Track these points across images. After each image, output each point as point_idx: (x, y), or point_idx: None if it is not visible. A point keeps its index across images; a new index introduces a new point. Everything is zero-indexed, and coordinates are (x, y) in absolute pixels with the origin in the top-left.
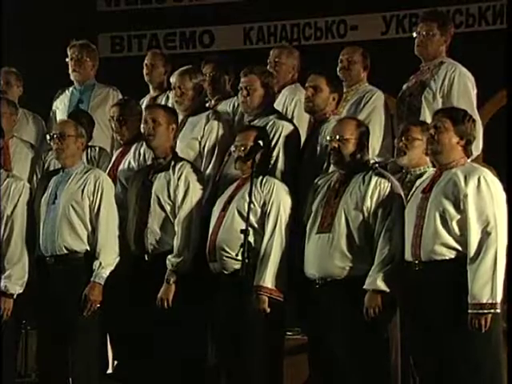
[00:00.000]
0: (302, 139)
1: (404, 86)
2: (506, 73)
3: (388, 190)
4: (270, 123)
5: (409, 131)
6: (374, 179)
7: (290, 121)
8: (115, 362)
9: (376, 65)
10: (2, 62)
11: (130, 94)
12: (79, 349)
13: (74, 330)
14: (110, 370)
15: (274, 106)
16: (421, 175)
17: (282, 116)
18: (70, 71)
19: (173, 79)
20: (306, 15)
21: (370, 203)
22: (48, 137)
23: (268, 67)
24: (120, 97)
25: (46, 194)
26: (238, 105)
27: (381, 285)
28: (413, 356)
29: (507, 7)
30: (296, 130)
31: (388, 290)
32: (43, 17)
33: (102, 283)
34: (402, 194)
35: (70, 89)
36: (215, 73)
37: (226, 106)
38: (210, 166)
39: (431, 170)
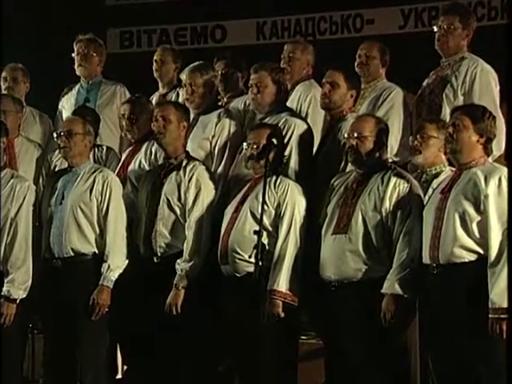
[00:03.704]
0: (318, 137)
1: (424, 83)
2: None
3: (407, 190)
4: (282, 121)
5: (424, 129)
6: (393, 180)
7: (303, 119)
8: (125, 367)
9: (394, 60)
10: (7, 58)
11: (139, 91)
12: (88, 354)
13: (82, 334)
14: (119, 375)
15: (288, 102)
16: (437, 175)
17: (294, 114)
18: (76, 66)
19: (183, 76)
20: (321, 9)
21: (388, 204)
22: (55, 135)
23: (282, 63)
24: (127, 94)
25: (53, 195)
26: (250, 103)
27: (399, 289)
28: (431, 360)
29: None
30: (309, 129)
31: (406, 295)
32: (51, 11)
33: (111, 286)
34: (422, 194)
35: (77, 87)
36: (227, 69)
37: (237, 104)
38: (221, 165)
39: (448, 170)
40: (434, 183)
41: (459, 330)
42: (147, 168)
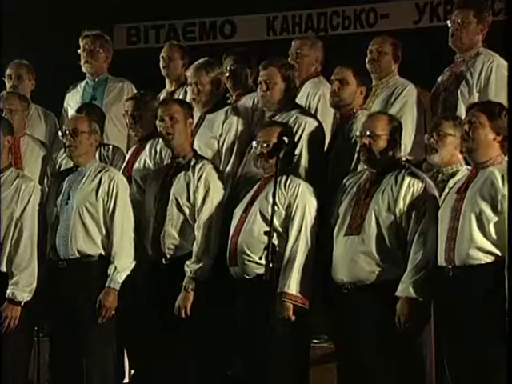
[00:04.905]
0: (327, 136)
1: (438, 80)
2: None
3: (422, 190)
4: (293, 119)
5: (440, 126)
6: (407, 179)
7: (314, 116)
8: (132, 371)
9: (408, 56)
10: (12, 54)
11: (146, 88)
12: (94, 357)
13: (88, 338)
14: (126, 380)
15: (296, 100)
16: (453, 174)
17: (304, 111)
18: (82, 63)
19: (188, 74)
20: (334, 3)
21: (402, 205)
22: (60, 133)
23: (289, 59)
24: (135, 91)
25: (58, 195)
26: (258, 100)
27: (414, 292)
28: (447, 363)
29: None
30: (320, 127)
31: (421, 299)
32: (57, 7)
33: (118, 289)
34: (437, 194)
35: (82, 84)
36: (236, 66)
37: (246, 102)
38: (230, 164)
39: (464, 169)
40: (451, 183)
41: (475, 333)
42: (152, 167)
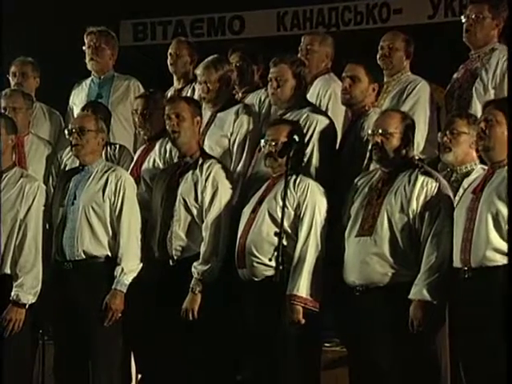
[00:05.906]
0: (339, 134)
1: (454, 77)
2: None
3: (436, 190)
4: (304, 117)
5: (454, 124)
6: (421, 179)
7: (326, 114)
8: (139, 376)
9: (422, 52)
10: (16, 51)
11: (153, 86)
12: (100, 361)
13: (94, 341)
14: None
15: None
16: (468, 173)
17: (316, 109)
18: (87, 60)
19: (197, 72)
20: None
21: (415, 205)
22: (66, 132)
23: (299, 55)
24: (141, 89)
25: (65, 195)
26: (265, 98)
27: (427, 295)
28: (463, 368)
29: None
30: (332, 125)
31: (435, 301)
32: (61, 3)
33: (124, 291)
34: (451, 194)
35: (88, 82)
36: (242, 62)
37: (252, 99)
38: (241, 163)
39: (479, 168)
40: (465, 182)
41: (492, 337)
42: (162, 167)
